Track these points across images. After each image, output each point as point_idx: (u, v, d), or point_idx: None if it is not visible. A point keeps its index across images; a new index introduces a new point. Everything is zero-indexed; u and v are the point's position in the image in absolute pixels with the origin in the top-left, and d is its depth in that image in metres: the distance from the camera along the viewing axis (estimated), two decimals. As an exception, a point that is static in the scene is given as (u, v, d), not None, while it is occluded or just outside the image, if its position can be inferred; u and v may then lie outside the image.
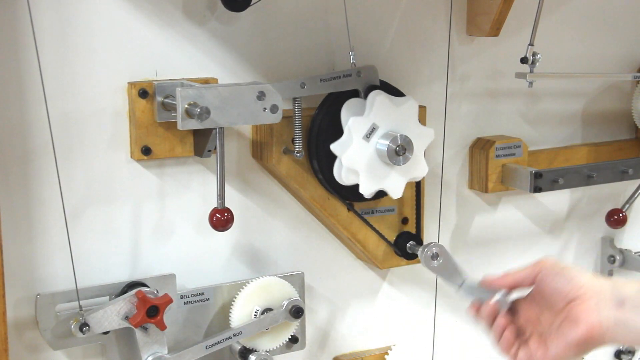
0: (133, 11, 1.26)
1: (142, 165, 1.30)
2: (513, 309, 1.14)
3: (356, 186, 1.36)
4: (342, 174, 1.34)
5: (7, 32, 1.18)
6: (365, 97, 1.34)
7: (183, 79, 1.28)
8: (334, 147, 1.33)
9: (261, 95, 1.23)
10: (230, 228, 1.25)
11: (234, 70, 1.34)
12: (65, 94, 1.23)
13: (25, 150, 1.22)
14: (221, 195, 1.23)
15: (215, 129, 1.22)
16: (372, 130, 1.33)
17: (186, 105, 1.18)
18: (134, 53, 1.27)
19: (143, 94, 1.26)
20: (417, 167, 1.39)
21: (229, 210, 1.24)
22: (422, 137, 1.38)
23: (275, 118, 1.25)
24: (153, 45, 1.28)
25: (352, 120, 1.32)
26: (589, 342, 1.05)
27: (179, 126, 1.19)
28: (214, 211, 1.23)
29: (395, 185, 1.37)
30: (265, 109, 1.23)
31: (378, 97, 1.33)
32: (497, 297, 1.13)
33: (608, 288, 1.05)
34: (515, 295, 1.14)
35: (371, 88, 1.34)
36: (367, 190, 1.35)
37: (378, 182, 1.36)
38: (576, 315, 1.05)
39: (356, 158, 1.33)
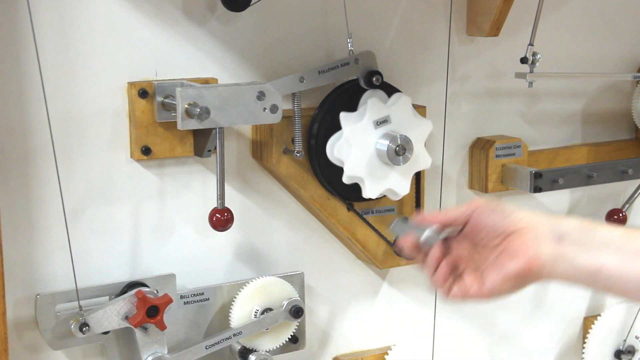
0: (133, 11, 1.26)
1: (142, 165, 1.30)
2: (446, 246, 1.10)
3: (356, 186, 1.36)
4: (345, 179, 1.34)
5: (7, 32, 1.18)
6: (365, 83, 1.33)
7: (183, 79, 1.28)
8: (332, 145, 1.33)
9: (261, 95, 1.23)
10: (230, 228, 1.25)
11: (234, 70, 1.34)
12: (65, 94, 1.23)
13: (25, 150, 1.22)
14: (221, 195, 1.23)
15: (215, 128, 1.22)
16: (384, 121, 1.34)
17: (186, 105, 1.18)
18: (134, 53, 1.27)
19: (143, 94, 1.26)
20: (420, 160, 1.39)
21: (228, 210, 1.24)
22: (420, 129, 1.38)
23: (275, 118, 1.25)
24: (153, 45, 1.28)
25: (350, 129, 1.32)
26: (527, 275, 1.03)
27: (179, 126, 1.19)
28: (214, 211, 1.23)
29: (401, 183, 1.37)
30: (265, 109, 1.23)
31: (370, 100, 1.33)
32: (427, 232, 1.10)
33: (547, 223, 1.03)
34: (447, 231, 1.10)
35: (370, 74, 1.33)
36: (373, 194, 1.35)
37: (382, 184, 1.36)
38: (514, 249, 1.02)
39: (358, 164, 1.33)
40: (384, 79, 1.39)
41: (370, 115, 1.33)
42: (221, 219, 1.23)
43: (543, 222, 1.03)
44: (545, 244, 1.02)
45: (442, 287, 1.08)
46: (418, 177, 1.45)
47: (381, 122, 1.34)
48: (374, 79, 1.34)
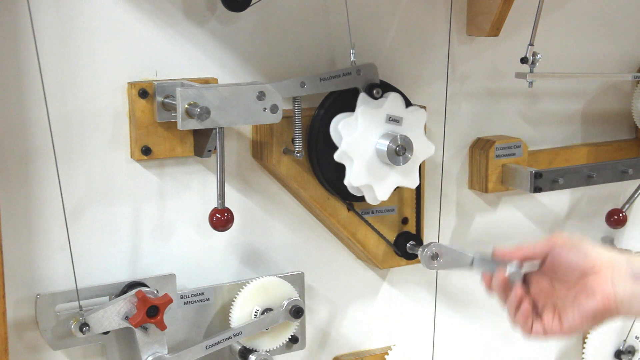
0: (133, 11, 1.26)
1: (142, 165, 1.30)
2: (525, 282, 1.13)
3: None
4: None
5: (7, 32, 1.18)
6: (367, 93, 1.34)
7: (183, 79, 1.28)
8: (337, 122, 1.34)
9: (261, 95, 1.23)
10: (230, 228, 1.25)
11: (234, 70, 1.34)
12: (65, 94, 1.23)
13: (25, 150, 1.22)
14: (221, 195, 1.23)
15: (215, 128, 1.22)
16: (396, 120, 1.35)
17: (186, 105, 1.18)
18: (134, 53, 1.27)
19: (143, 94, 1.26)
20: (423, 149, 1.39)
21: (229, 210, 1.24)
22: (415, 119, 1.38)
23: (275, 118, 1.25)
24: (153, 45, 1.28)
25: (345, 142, 1.32)
26: (604, 313, 1.06)
27: (179, 126, 1.19)
28: (214, 211, 1.23)
29: (408, 176, 1.37)
30: (265, 109, 1.23)
31: (359, 109, 1.33)
32: (510, 268, 1.12)
33: (623, 261, 1.06)
34: (527, 267, 1.13)
35: (371, 86, 1.34)
36: (384, 196, 1.35)
37: (390, 183, 1.36)
38: (592, 287, 1.05)
39: (362, 173, 1.33)
40: (384, 79, 1.39)
41: (363, 120, 1.33)
42: (221, 219, 1.23)
43: (619, 261, 1.06)
44: (622, 282, 1.05)
45: (524, 325, 1.11)
46: (418, 177, 1.45)
47: (392, 118, 1.35)
48: (375, 91, 1.34)
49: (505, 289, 1.13)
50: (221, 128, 1.21)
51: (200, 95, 1.18)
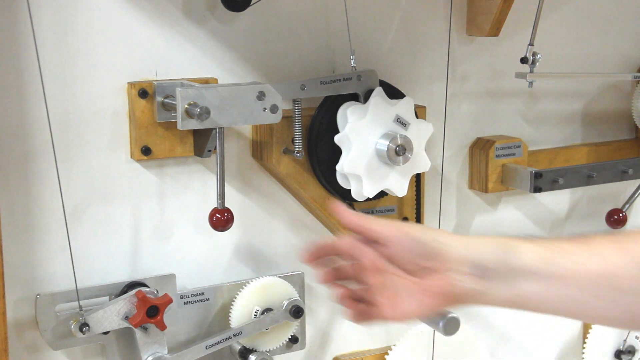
0: (133, 11, 1.26)
1: (142, 165, 1.30)
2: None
3: (356, 186, 1.36)
4: (343, 178, 1.34)
5: (7, 32, 1.18)
6: (365, 101, 1.34)
7: (183, 79, 1.28)
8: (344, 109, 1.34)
9: (261, 95, 1.23)
10: (230, 228, 1.25)
11: (234, 70, 1.34)
12: (65, 94, 1.23)
13: (25, 150, 1.22)
14: (221, 195, 1.23)
15: (215, 129, 1.22)
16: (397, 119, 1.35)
17: (186, 105, 1.18)
18: (134, 53, 1.27)
19: (143, 94, 1.26)
20: (419, 163, 1.39)
21: (229, 210, 1.24)
22: (420, 132, 1.38)
23: (275, 118, 1.25)
24: (153, 45, 1.28)
25: (350, 126, 1.32)
26: (443, 307, 1.03)
27: (179, 126, 1.19)
28: (214, 211, 1.23)
29: (398, 183, 1.37)
30: (265, 109, 1.23)
31: (373, 99, 1.33)
32: (443, 322, 1.09)
33: (465, 256, 1.00)
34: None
35: (370, 92, 1.34)
36: (370, 193, 1.35)
37: (380, 183, 1.36)
38: (431, 286, 1.00)
39: (357, 162, 1.33)
40: (384, 79, 1.39)
41: (373, 110, 1.33)
42: (221, 219, 1.23)
43: (462, 256, 1.00)
44: (461, 282, 1.00)
45: (349, 303, 1.06)
46: (418, 177, 1.45)
47: (400, 120, 1.35)
48: None
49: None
50: (221, 128, 1.21)
51: (200, 95, 1.18)
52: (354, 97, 1.35)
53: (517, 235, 1.04)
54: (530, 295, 1.00)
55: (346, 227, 1.05)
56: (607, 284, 0.97)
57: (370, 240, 1.03)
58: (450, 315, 1.12)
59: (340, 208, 1.05)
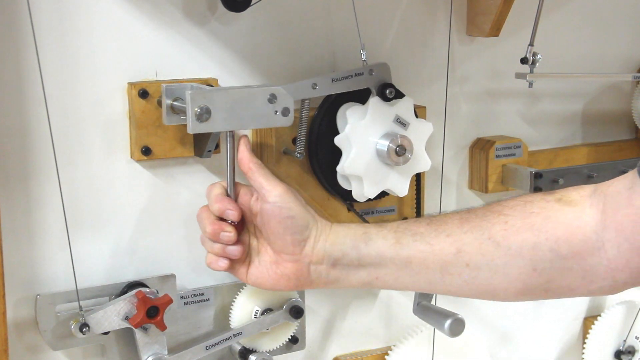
0: (133, 11, 1.26)
1: (142, 165, 1.30)
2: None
3: (356, 186, 1.36)
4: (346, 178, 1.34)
5: (7, 32, 1.18)
6: (378, 95, 1.33)
7: (183, 79, 1.28)
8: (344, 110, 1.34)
9: (272, 98, 1.20)
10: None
11: (234, 70, 1.34)
12: (65, 94, 1.23)
13: (25, 150, 1.22)
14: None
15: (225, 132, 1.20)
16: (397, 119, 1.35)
17: (196, 109, 1.16)
18: (134, 53, 1.27)
19: (143, 94, 1.25)
20: (420, 162, 1.39)
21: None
22: (420, 131, 1.38)
23: (287, 121, 1.22)
24: (153, 45, 1.28)
25: (350, 127, 1.32)
26: (294, 289, 1.15)
27: (190, 130, 1.16)
28: None
29: (399, 183, 1.37)
30: (276, 112, 1.21)
31: (372, 99, 1.33)
32: (448, 322, 1.19)
33: (327, 254, 1.11)
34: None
35: (384, 86, 1.33)
36: (371, 193, 1.35)
37: (381, 183, 1.36)
38: (285, 270, 1.12)
39: (357, 162, 1.33)
40: (384, 79, 1.39)
41: (373, 111, 1.33)
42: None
43: (323, 250, 1.11)
44: (317, 269, 1.12)
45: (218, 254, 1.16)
46: (418, 177, 1.45)
47: (400, 120, 1.35)
48: (387, 91, 1.33)
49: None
50: (231, 132, 1.20)
51: (211, 98, 1.16)
52: (354, 97, 1.35)
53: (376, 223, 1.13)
54: (383, 278, 1.09)
55: (240, 165, 1.14)
56: (453, 260, 1.06)
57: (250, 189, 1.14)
58: (456, 317, 1.13)
59: (242, 149, 1.15)
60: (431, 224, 1.11)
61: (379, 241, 1.10)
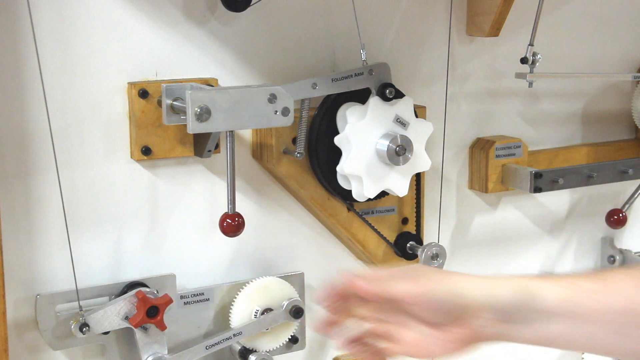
0: (133, 11, 1.26)
1: (142, 165, 1.30)
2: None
3: (356, 186, 1.36)
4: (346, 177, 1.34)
5: (7, 32, 1.18)
6: (378, 94, 1.33)
7: (183, 79, 1.28)
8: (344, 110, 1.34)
9: (272, 98, 1.20)
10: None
11: (234, 70, 1.34)
12: (65, 94, 1.23)
13: (25, 150, 1.22)
14: (232, 200, 1.22)
15: (225, 131, 1.20)
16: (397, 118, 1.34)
17: (196, 109, 1.16)
18: (134, 53, 1.27)
19: (143, 94, 1.25)
20: (420, 162, 1.39)
21: (239, 215, 1.22)
22: (420, 131, 1.38)
23: (287, 121, 1.22)
24: (153, 45, 1.28)
25: (349, 127, 1.32)
26: (471, 349, 1.04)
27: (190, 129, 1.16)
28: (225, 216, 1.22)
29: (399, 183, 1.37)
30: (276, 111, 1.21)
31: (372, 99, 1.33)
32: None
33: (484, 303, 1.01)
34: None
35: (384, 86, 1.33)
36: (371, 193, 1.35)
37: (381, 183, 1.36)
38: (457, 337, 1.02)
39: (357, 162, 1.33)
40: (384, 79, 1.39)
41: (372, 111, 1.33)
42: (232, 225, 1.22)
43: (480, 303, 1.01)
44: (487, 327, 1.02)
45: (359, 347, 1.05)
46: (418, 177, 1.45)
47: (400, 120, 1.35)
48: (387, 91, 1.33)
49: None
50: (231, 131, 1.20)
51: (211, 98, 1.16)
52: (354, 97, 1.35)
53: (533, 274, 1.05)
54: (553, 336, 1.01)
55: (364, 297, 1.03)
56: (628, 321, 0.98)
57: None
58: None
59: (352, 279, 1.03)
60: (598, 280, 1.03)
61: (547, 293, 1.01)
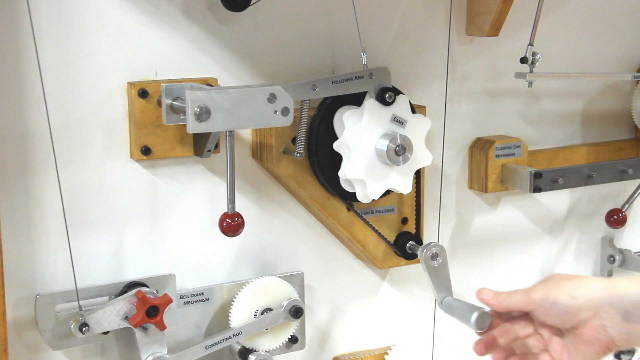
0: (133, 11, 1.26)
1: (141, 165, 1.30)
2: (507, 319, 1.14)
3: (356, 186, 1.36)
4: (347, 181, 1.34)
5: (7, 32, 1.18)
6: (377, 99, 1.33)
7: (183, 79, 1.28)
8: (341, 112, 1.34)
9: (272, 98, 1.20)
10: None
11: (233, 70, 1.34)
12: (64, 94, 1.23)
13: (25, 150, 1.22)
14: (231, 200, 1.22)
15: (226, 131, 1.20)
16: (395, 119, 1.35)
17: (196, 109, 1.16)
18: (134, 53, 1.27)
19: (143, 94, 1.25)
20: (421, 158, 1.39)
21: (239, 215, 1.22)
22: (419, 127, 1.38)
23: (286, 121, 1.22)
24: (153, 45, 1.28)
25: (347, 132, 1.32)
26: (606, 353, 1.07)
27: (189, 129, 1.16)
28: (224, 216, 1.22)
29: (402, 181, 1.37)
30: (276, 111, 1.21)
31: (367, 102, 1.33)
32: (475, 316, 1.13)
33: (607, 303, 1.05)
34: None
35: (384, 90, 1.33)
36: (376, 194, 1.35)
37: (384, 183, 1.36)
38: (587, 338, 1.06)
39: (358, 166, 1.33)
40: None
41: (369, 113, 1.33)
42: (232, 224, 1.22)
43: (603, 301, 1.05)
44: (613, 326, 1.04)
45: None
46: (418, 177, 1.45)
47: (397, 119, 1.35)
48: (387, 95, 1.33)
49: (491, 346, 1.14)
50: (231, 131, 1.20)
51: (211, 98, 1.16)
52: (352, 98, 1.35)
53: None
54: None
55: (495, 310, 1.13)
56: None
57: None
58: (482, 310, 1.14)
59: (485, 297, 1.13)
60: None
61: None
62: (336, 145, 1.33)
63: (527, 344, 1.13)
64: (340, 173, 1.34)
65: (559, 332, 1.10)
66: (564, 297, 1.06)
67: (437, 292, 1.33)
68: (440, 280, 1.32)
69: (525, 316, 1.13)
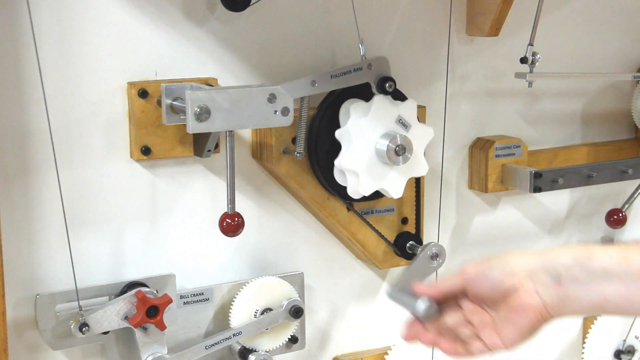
0: (133, 11, 1.26)
1: (141, 165, 1.30)
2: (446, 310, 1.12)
3: (356, 186, 1.36)
4: (342, 175, 1.34)
5: (7, 32, 1.18)
6: (377, 89, 1.33)
7: (183, 79, 1.28)
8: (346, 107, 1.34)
9: (272, 98, 1.20)
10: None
11: (233, 70, 1.34)
12: (64, 94, 1.23)
13: (25, 150, 1.22)
14: (231, 200, 1.22)
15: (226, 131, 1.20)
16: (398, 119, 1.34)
17: (196, 108, 1.16)
18: (134, 53, 1.27)
19: (143, 94, 1.25)
20: (417, 166, 1.39)
21: (239, 215, 1.22)
22: (421, 136, 1.38)
23: (287, 121, 1.22)
24: (153, 45, 1.28)
25: (352, 121, 1.32)
26: (540, 323, 1.05)
27: (189, 129, 1.16)
28: (224, 216, 1.22)
29: (395, 184, 1.37)
30: (276, 111, 1.21)
31: (377, 98, 1.33)
32: (422, 305, 1.12)
33: (540, 266, 1.03)
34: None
35: (383, 80, 1.33)
36: (367, 191, 1.35)
37: (378, 182, 1.36)
38: (519, 305, 1.04)
39: (356, 158, 1.33)
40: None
41: (376, 108, 1.33)
42: (232, 224, 1.22)
43: (536, 267, 1.03)
44: (545, 290, 1.03)
45: (458, 354, 1.11)
46: (418, 177, 1.45)
47: (402, 122, 1.35)
48: (387, 85, 1.33)
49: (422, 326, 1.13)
50: (231, 131, 1.20)
51: (211, 98, 1.16)
52: (356, 92, 1.35)
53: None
54: (611, 297, 1.01)
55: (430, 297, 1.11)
56: None
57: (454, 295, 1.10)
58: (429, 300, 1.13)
59: (418, 287, 1.12)
60: None
61: (600, 257, 1.03)
62: (338, 134, 1.32)
63: (458, 332, 1.11)
64: (336, 162, 1.33)
65: (491, 314, 1.09)
66: (497, 267, 1.06)
67: (401, 281, 1.29)
68: (417, 277, 1.27)
69: (454, 303, 1.12)
